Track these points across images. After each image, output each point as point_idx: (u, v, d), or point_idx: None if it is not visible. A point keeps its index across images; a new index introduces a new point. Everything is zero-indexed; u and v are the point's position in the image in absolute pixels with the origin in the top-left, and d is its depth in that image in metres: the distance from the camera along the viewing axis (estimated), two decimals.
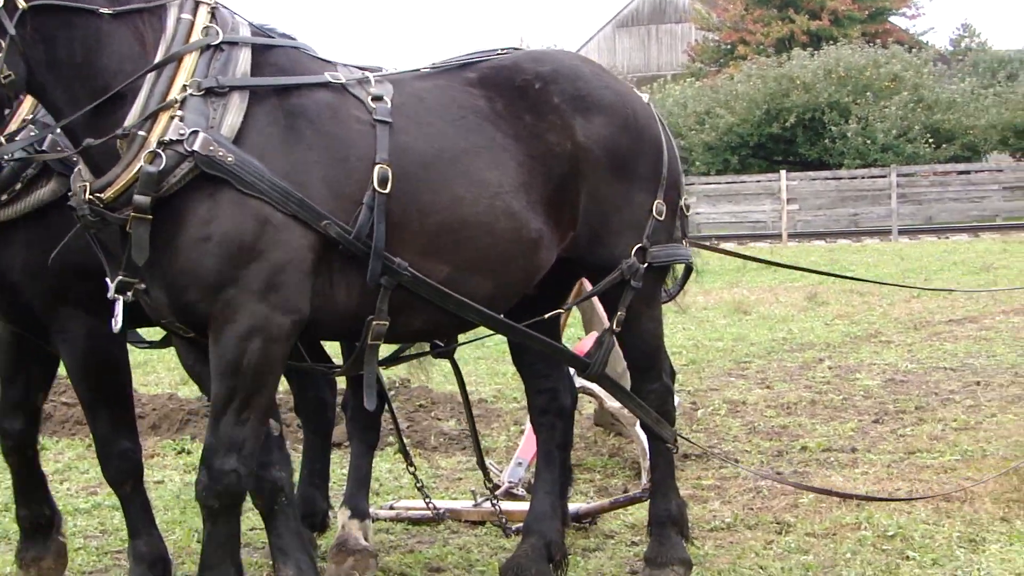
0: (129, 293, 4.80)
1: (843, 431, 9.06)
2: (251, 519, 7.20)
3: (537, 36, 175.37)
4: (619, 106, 5.48)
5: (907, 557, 6.10)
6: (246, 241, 4.65)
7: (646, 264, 5.51)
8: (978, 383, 10.86)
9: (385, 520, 7.13)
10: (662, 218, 5.54)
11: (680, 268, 6.00)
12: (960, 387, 10.73)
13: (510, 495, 7.31)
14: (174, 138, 4.59)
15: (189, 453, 8.96)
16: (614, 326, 5.56)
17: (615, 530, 6.77)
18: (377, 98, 5.02)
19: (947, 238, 34.19)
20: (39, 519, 6.05)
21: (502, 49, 5.58)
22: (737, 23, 57.20)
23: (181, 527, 7.08)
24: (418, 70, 5.39)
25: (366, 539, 6.24)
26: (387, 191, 4.85)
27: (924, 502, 6.99)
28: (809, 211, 38.47)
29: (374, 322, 4.96)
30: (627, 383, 5.91)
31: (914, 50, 50.22)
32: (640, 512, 7.04)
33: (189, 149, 4.58)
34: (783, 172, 39.44)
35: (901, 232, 36.11)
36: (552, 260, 5.37)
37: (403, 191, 4.92)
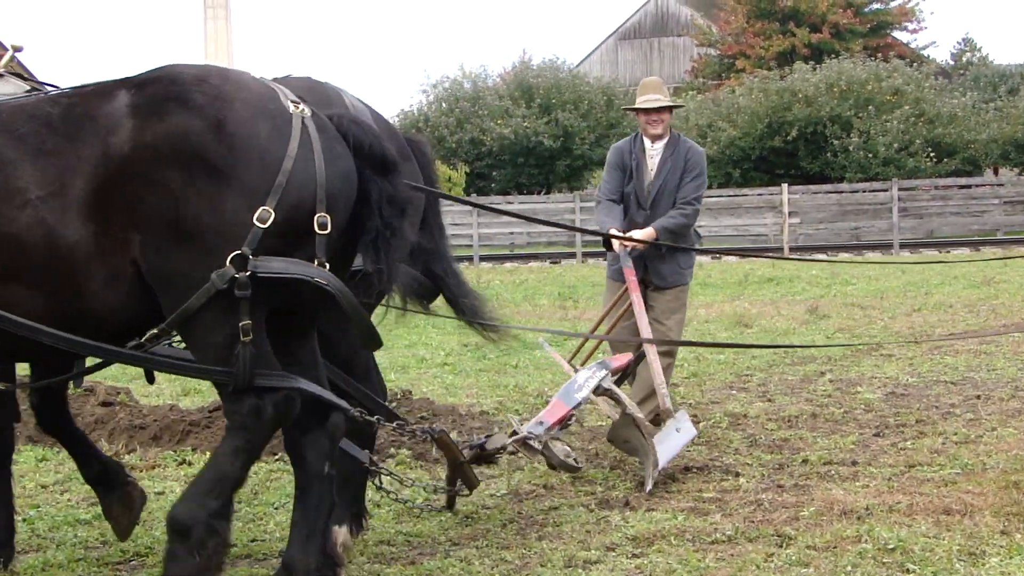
0: None
1: (844, 444, 9.07)
2: (251, 531, 7.23)
3: (540, 48, 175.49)
4: (208, 109, 5.21)
5: (907, 570, 6.11)
6: None
7: (248, 273, 5.18)
8: (978, 397, 10.87)
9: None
10: (266, 226, 5.17)
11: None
12: (960, 400, 10.74)
13: (526, 445, 7.58)
14: None
15: (190, 464, 8.97)
16: (242, 336, 5.26)
17: (616, 542, 6.76)
18: None
19: (948, 252, 34.25)
20: None
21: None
22: (738, 36, 57.29)
23: None
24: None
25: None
26: None
27: (924, 515, 7.01)
28: (810, 224, 38.49)
29: None
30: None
31: (915, 64, 50.33)
32: (641, 524, 7.06)
33: None
34: (785, 185, 39.45)
35: (902, 246, 36.16)
36: (123, 266, 5.24)
37: None
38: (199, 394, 11.80)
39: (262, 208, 5.18)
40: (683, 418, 8.54)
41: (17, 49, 8.31)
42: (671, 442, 8.20)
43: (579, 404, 7.99)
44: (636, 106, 9.49)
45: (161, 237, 5.18)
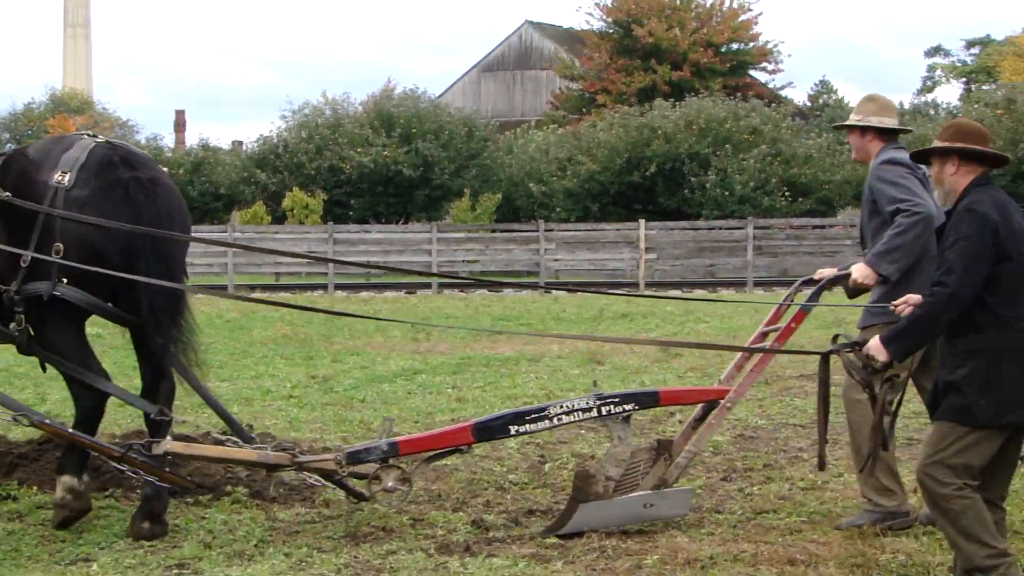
0: None
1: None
2: (74, 573, 6.90)
3: (406, 79, 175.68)
4: None
5: None
6: None
7: None
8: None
9: None
10: None
11: None
12: (808, 444, 10.66)
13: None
14: None
15: (15, 500, 8.59)
16: None
17: None
18: None
19: (801, 291, 34.57)
20: None
21: None
22: (600, 72, 57.72)
23: None
24: None
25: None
26: None
27: (768, 565, 6.89)
28: (667, 260, 38.75)
29: None
30: None
31: (773, 104, 51.07)
32: (481, 571, 6.88)
33: None
34: (642, 221, 39.69)
35: (756, 284, 36.54)
36: None
37: None
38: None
39: None
40: (670, 500, 7.85)
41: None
42: (607, 513, 7.66)
43: (508, 435, 7.85)
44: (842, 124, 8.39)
45: None
